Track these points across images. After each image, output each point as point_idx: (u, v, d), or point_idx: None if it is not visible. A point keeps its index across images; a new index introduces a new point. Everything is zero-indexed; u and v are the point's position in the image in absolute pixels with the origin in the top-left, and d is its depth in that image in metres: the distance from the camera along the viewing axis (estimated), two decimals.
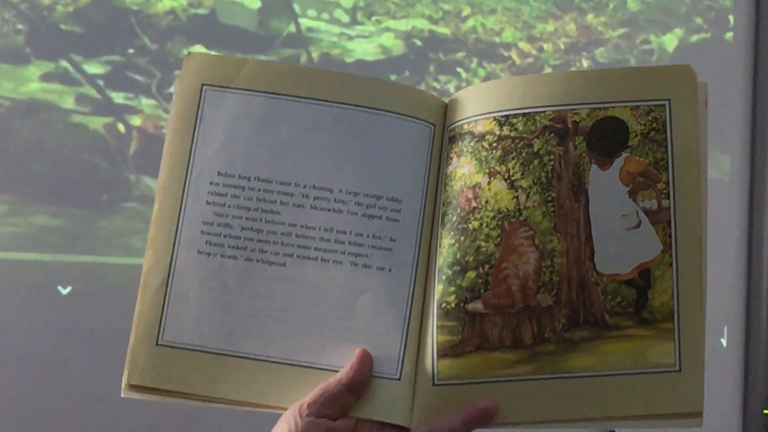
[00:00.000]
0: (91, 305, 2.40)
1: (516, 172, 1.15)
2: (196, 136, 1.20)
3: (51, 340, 2.40)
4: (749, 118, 2.87)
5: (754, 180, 2.86)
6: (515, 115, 1.17)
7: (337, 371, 1.14)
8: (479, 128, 1.17)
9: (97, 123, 2.50)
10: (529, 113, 1.16)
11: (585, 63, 2.80)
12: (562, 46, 2.80)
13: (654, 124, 1.15)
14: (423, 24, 2.72)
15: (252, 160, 1.19)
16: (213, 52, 2.55)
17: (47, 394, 2.38)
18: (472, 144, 1.17)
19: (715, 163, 2.85)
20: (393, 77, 2.67)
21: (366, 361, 1.13)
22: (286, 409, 1.13)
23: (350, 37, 2.67)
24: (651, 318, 1.11)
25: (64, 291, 2.43)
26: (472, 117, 1.18)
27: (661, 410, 1.11)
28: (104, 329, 2.26)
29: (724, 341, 2.82)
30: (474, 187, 1.16)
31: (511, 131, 1.16)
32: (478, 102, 1.19)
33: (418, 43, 2.71)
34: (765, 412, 2.84)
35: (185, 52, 2.52)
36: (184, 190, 1.18)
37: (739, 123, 2.86)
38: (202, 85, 1.21)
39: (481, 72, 2.74)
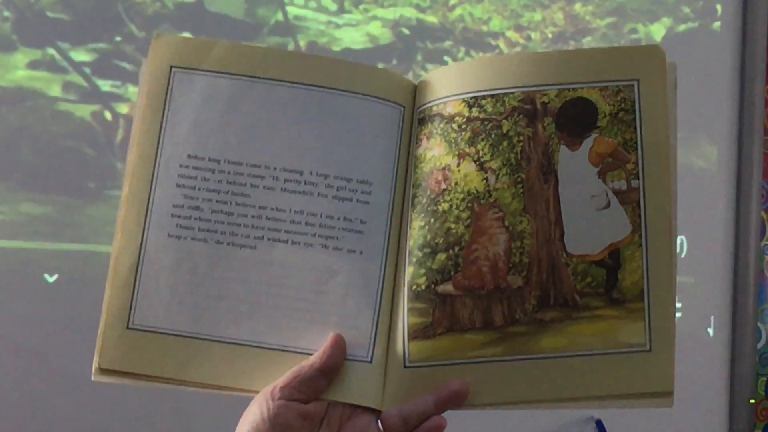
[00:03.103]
0: (78, 293, 2.40)
1: (485, 154, 1.15)
2: (165, 118, 1.19)
3: (37, 328, 2.40)
4: (736, 107, 2.86)
5: (741, 170, 2.86)
6: (484, 97, 1.16)
7: (308, 354, 1.14)
8: (448, 110, 1.17)
9: (84, 111, 2.49)
10: (498, 94, 1.16)
11: None
12: (550, 35, 2.80)
13: (623, 105, 1.15)
14: (410, 12, 2.71)
15: (222, 143, 1.18)
16: None
17: (33, 382, 2.38)
18: (441, 126, 1.17)
19: (702, 153, 2.85)
20: (380, 65, 2.66)
21: (339, 346, 1.13)
22: (257, 392, 1.13)
23: (338, 26, 2.67)
24: (621, 298, 1.11)
25: (51, 279, 2.43)
26: (441, 99, 1.18)
27: (632, 390, 1.11)
28: (90, 317, 2.25)
29: (710, 331, 2.82)
30: (443, 169, 1.16)
31: (480, 113, 1.16)
32: (448, 83, 1.18)
33: (406, 31, 2.71)
34: (751, 401, 2.84)
35: None
36: (153, 173, 1.18)
37: (726, 112, 2.85)
38: (171, 66, 1.20)
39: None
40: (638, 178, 1.13)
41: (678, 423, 2.50)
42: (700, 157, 2.84)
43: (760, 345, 2.89)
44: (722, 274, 2.83)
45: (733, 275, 2.84)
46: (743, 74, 2.88)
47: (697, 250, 2.77)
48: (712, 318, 2.82)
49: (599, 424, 2.61)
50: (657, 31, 2.86)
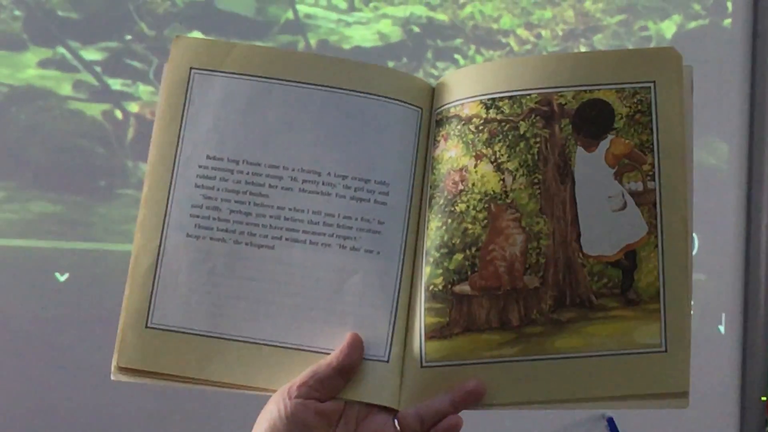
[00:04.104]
0: (89, 292, 2.41)
1: (502, 155, 1.15)
2: (184, 119, 1.20)
3: (49, 327, 2.40)
4: (747, 104, 2.86)
5: (752, 167, 2.86)
6: (501, 98, 1.17)
7: (325, 353, 1.14)
8: (466, 111, 1.18)
9: (94, 109, 2.50)
10: (515, 96, 1.17)
11: (583, 49, 2.79)
12: (560, 33, 2.80)
13: (639, 107, 1.15)
14: (421, 10, 2.71)
15: (241, 144, 1.19)
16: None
17: (45, 381, 2.39)
18: (458, 127, 1.17)
19: (713, 150, 2.85)
20: (391, 64, 2.66)
21: (356, 346, 1.14)
22: (275, 391, 1.14)
23: (348, 24, 2.67)
24: (637, 299, 1.12)
25: (62, 278, 2.44)
26: (458, 100, 1.18)
27: (647, 390, 1.11)
28: (102, 316, 2.26)
29: (722, 328, 2.82)
30: (461, 170, 1.16)
31: (497, 114, 1.16)
32: (465, 85, 1.19)
33: (416, 29, 2.71)
34: (763, 398, 2.84)
35: None
36: (173, 174, 1.19)
37: (737, 110, 2.85)
38: (191, 68, 1.21)
39: (479, 59, 2.74)
40: (654, 180, 1.13)
41: (690, 420, 2.51)
42: (711, 154, 2.84)
43: None
44: (734, 272, 2.83)
45: (745, 272, 2.84)
46: (754, 71, 2.88)
47: (708, 248, 2.76)
48: (723, 315, 2.82)
49: (610, 421, 2.62)
50: (668, 29, 2.86)
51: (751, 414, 2.82)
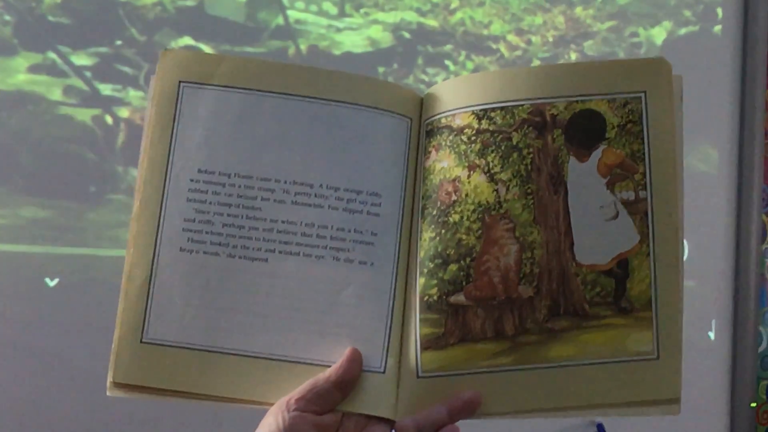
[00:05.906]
0: (79, 297, 2.40)
1: (495, 166, 1.16)
2: (174, 133, 1.20)
3: (38, 333, 2.39)
4: (737, 111, 2.87)
5: (742, 173, 2.86)
6: (493, 109, 1.17)
7: (321, 365, 1.14)
8: (457, 122, 1.18)
9: (84, 115, 2.49)
10: (507, 107, 1.17)
11: (573, 56, 2.80)
12: (551, 39, 2.80)
13: (630, 116, 1.16)
14: (411, 16, 2.71)
15: (232, 157, 1.19)
16: (200, 44, 2.55)
17: (34, 386, 2.38)
18: (450, 138, 1.18)
19: (703, 157, 2.85)
20: (381, 69, 2.67)
21: (355, 360, 1.14)
22: (272, 404, 1.14)
23: (338, 29, 2.67)
24: (629, 307, 1.12)
25: (52, 283, 2.43)
26: (449, 111, 1.19)
27: (640, 397, 1.12)
28: (92, 322, 2.26)
29: (712, 335, 2.82)
30: (454, 180, 1.16)
31: (489, 125, 1.17)
32: (456, 96, 1.19)
33: (407, 35, 2.71)
34: (752, 405, 2.84)
35: (173, 44, 2.52)
36: (164, 188, 1.19)
37: (728, 116, 2.86)
38: (180, 81, 1.21)
39: (470, 65, 2.74)
40: (646, 189, 1.14)
41: (679, 426, 2.51)
42: (701, 161, 2.85)
43: (761, 348, 2.89)
44: (723, 278, 2.84)
45: (734, 279, 2.85)
46: (744, 77, 2.88)
47: (698, 254, 2.77)
48: (713, 322, 2.82)
49: (600, 427, 2.62)
50: (658, 35, 2.86)
51: (740, 420, 2.83)
